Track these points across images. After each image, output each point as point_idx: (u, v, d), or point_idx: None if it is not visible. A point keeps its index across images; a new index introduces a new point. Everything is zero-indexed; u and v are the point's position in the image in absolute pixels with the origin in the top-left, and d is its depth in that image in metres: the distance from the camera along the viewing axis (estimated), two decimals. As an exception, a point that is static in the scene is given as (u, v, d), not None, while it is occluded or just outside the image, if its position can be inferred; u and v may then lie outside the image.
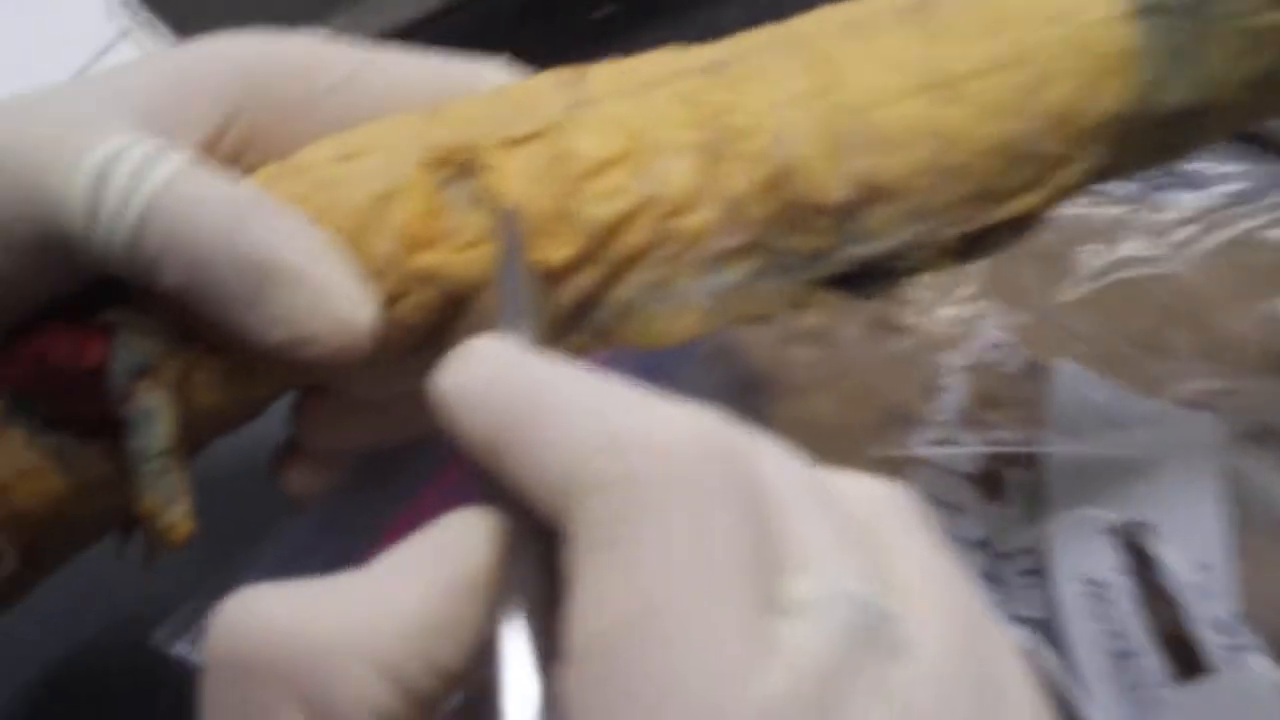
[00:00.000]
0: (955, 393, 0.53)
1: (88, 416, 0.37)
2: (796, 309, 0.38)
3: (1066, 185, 0.38)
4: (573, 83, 0.38)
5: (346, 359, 0.35)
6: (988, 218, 0.37)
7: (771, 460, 0.25)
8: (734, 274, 0.37)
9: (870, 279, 0.38)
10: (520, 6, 0.71)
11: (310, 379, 0.39)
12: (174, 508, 0.36)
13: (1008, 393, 0.53)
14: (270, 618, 0.24)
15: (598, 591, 0.22)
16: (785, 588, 0.23)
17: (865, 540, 0.25)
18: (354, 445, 0.42)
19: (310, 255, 0.35)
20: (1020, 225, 0.38)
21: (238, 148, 0.38)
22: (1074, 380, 0.53)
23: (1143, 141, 0.38)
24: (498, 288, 0.34)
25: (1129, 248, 0.57)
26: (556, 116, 0.37)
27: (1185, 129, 0.38)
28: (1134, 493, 0.48)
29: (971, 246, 0.38)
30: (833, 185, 0.36)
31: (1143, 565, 0.47)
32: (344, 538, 0.43)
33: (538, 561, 0.25)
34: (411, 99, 0.39)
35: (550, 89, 0.38)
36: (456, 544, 0.25)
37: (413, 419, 0.42)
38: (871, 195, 0.36)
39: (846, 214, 0.36)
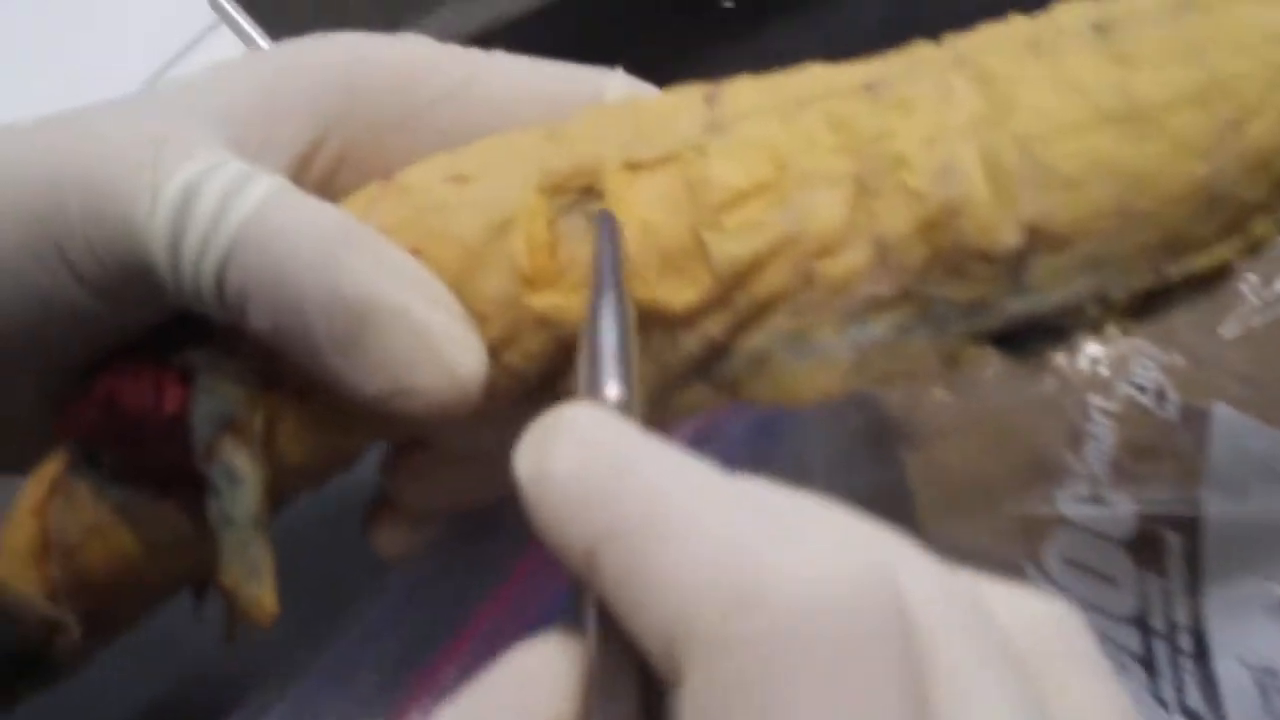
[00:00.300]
0: (1103, 441, 0.49)
1: (163, 469, 0.34)
2: (948, 368, 0.34)
3: (1262, 236, 0.33)
4: (709, 100, 0.34)
5: (451, 413, 0.32)
6: (1171, 272, 0.33)
7: (925, 594, 0.21)
8: (881, 326, 0.33)
9: (1031, 337, 0.34)
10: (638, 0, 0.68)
11: (407, 431, 0.36)
12: (258, 582, 0.33)
13: (1161, 442, 0.49)
14: None
15: None
16: None
17: (1028, 685, 0.22)
18: (450, 502, 0.39)
19: (414, 295, 0.32)
20: (1205, 282, 0.33)
21: (332, 165, 0.36)
22: (1234, 428, 0.49)
23: None
24: (590, 324, 0.28)
25: (1295, 282, 0.52)
26: (691, 139, 0.33)
27: None
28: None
29: (1148, 305, 0.34)
30: (1002, 229, 0.31)
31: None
32: (434, 608, 0.41)
33: (632, 691, 0.22)
34: (523, 112, 0.36)
35: (684, 107, 0.34)
36: (537, 690, 0.23)
37: (506, 470, 0.39)
38: (1043, 241, 0.32)
39: (1014, 262, 0.32)
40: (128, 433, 0.34)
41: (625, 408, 0.26)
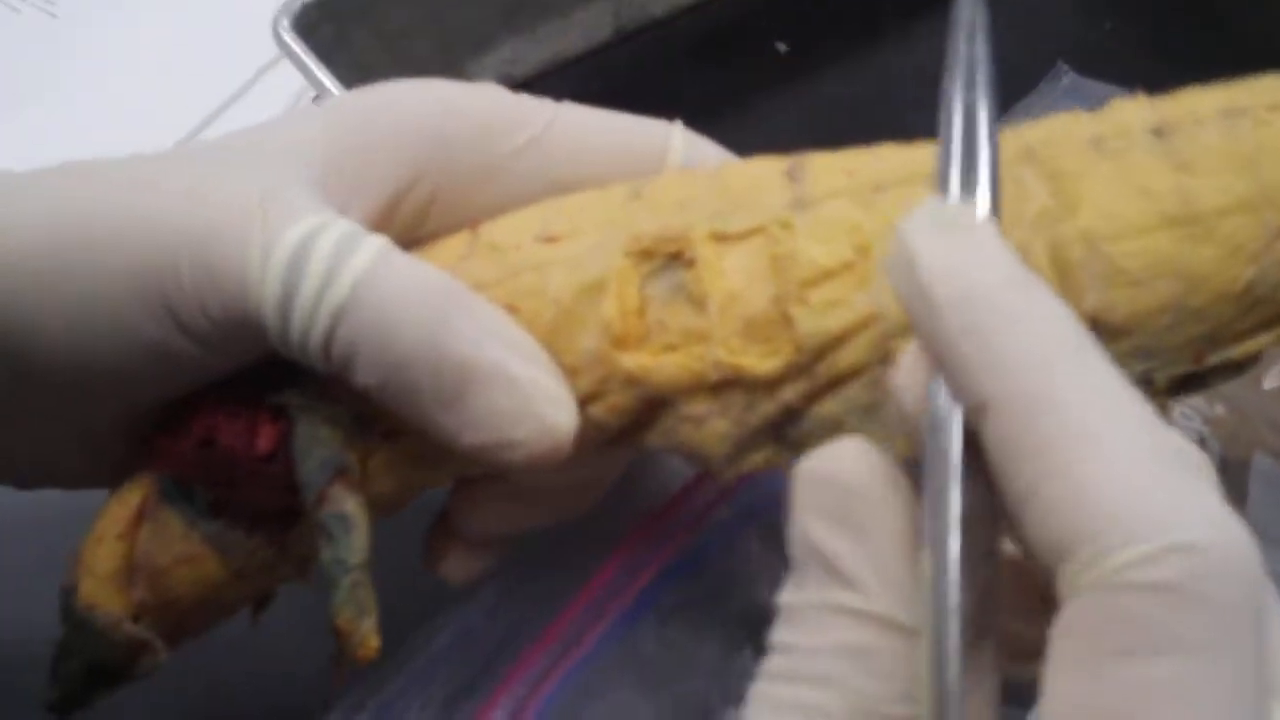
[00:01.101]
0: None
1: (255, 504, 0.36)
2: None
3: None
4: (794, 175, 0.36)
5: (545, 464, 0.34)
6: (1212, 359, 0.35)
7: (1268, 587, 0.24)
8: None
9: None
10: (692, 40, 0.69)
11: (490, 470, 0.38)
12: (367, 621, 0.35)
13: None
14: None
15: (1098, 699, 0.22)
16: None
17: None
18: (513, 530, 0.40)
19: (515, 355, 0.33)
20: (1242, 366, 0.36)
21: (419, 212, 0.37)
22: (1272, 479, 0.50)
23: None
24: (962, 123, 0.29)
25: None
26: (778, 213, 0.35)
27: None
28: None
29: (1186, 385, 0.36)
30: None
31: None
32: (510, 627, 0.42)
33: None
34: (599, 161, 0.38)
35: (769, 179, 0.36)
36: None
37: (575, 502, 0.41)
38: (1102, 331, 0.34)
39: None
40: (223, 470, 0.35)
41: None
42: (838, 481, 0.26)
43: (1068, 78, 0.65)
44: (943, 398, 0.25)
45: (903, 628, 0.25)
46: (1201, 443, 0.51)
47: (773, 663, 0.26)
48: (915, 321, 0.26)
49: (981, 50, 0.30)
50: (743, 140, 0.64)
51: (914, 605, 0.25)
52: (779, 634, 0.26)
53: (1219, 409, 0.52)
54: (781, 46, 0.69)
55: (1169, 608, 0.22)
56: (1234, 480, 0.50)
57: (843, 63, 0.69)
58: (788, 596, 0.27)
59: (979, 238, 0.26)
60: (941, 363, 0.25)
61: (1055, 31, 0.70)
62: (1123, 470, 0.23)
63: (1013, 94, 0.65)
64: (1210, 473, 0.25)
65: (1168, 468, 0.23)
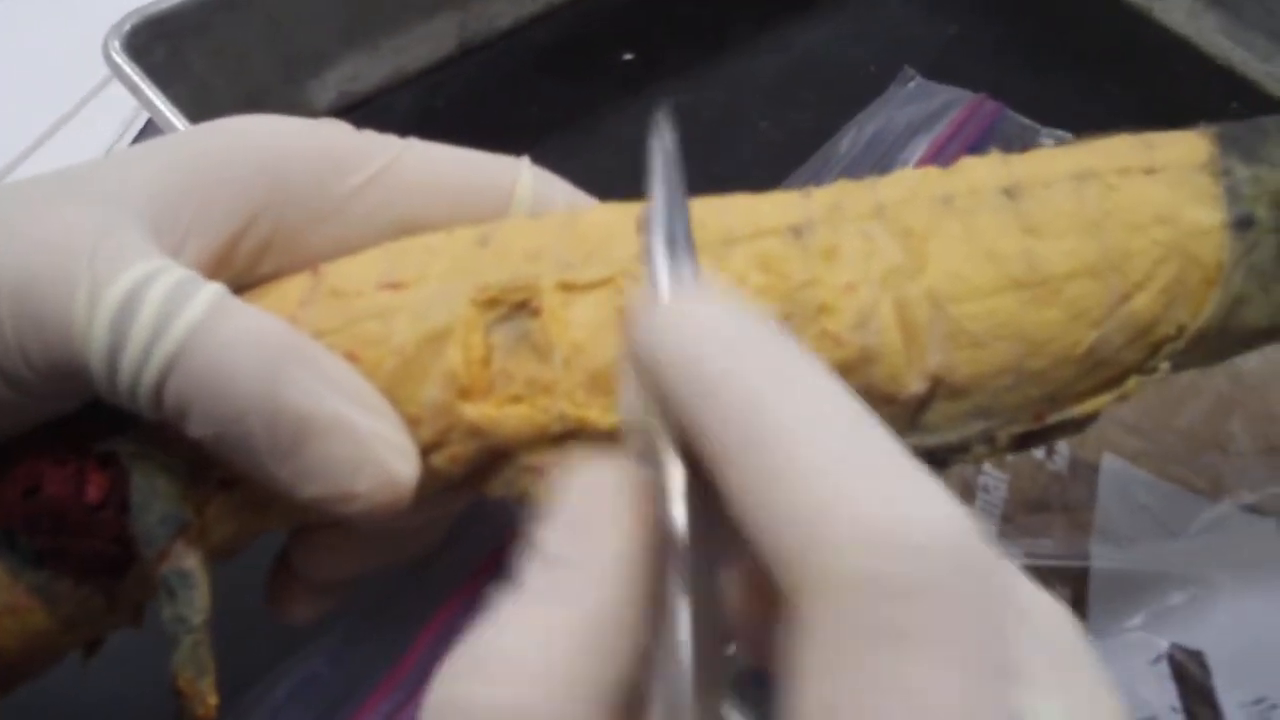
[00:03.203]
0: (994, 494, 0.52)
1: (84, 554, 0.35)
2: None
3: (1132, 390, 0.37)
4: (643, 225, 0.36)
5: (384, 516, 0.34)
6: (1051, 419, 0.37)
7: (1006, 575, 0.24)
8: None
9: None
10: (539, 51, 0.70)
11: (326, 517, 0.37)
12: (205, 680, 0.35)
13: (1052, 494, 0.52)
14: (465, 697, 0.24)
15: (855, 696, 0.22)
16: (1025, 712, 0.23)
17: (1068, 664, 0.25)
18: (354, 574, 0.40)
19: (354, 405, 0.33)
20: (1080, 424, 0.38)
21: (257, 252, 0.37)
22: (1122, 480, 0.52)
23: (1212, 350, 0.38)
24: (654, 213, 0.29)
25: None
26: (626, 264, 0.35)
27: (1257, 343, 0.38)
28: (1185, 614, 0.47)
29: (1025, 441, 0.38)
30: (909, 378, 0.35)
31: (1196, 698, 0.45)
32: (353, 674, 0.42)
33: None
34: (445, 199, 0.38)
35: (619, 228, 0.36)
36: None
37: (416, 545, 0.41)
38: (943, 391, 0.35)
39: (915, 406, 0.36)
40: (49, 519, 0.35)
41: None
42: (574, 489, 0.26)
43: (915, 81, 0.67)
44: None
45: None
46: (1050, 446, 0.53)
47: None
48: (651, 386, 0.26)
49: (671, 145, 0.30)
50: (592, 151, 0.66)
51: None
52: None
53: (1065, 438, 0.53)
54: (628, 56, 0.70)
55: (896, 602, 0.22)
56: (1083, 481, 0.52)
57: (690, 72, 0.70)
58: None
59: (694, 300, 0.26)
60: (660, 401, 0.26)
61: (903, 36, 0.72)
62: (840, 471, 0.23)
63: (861, 97, 0.66)
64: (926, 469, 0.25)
65: (887, 465, 0.23)
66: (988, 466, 0.52)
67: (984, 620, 0.23)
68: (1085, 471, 0.52)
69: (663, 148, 0.29)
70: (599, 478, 0.26)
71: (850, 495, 0.23)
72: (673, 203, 0.28)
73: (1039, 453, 0.53)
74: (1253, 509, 0.50)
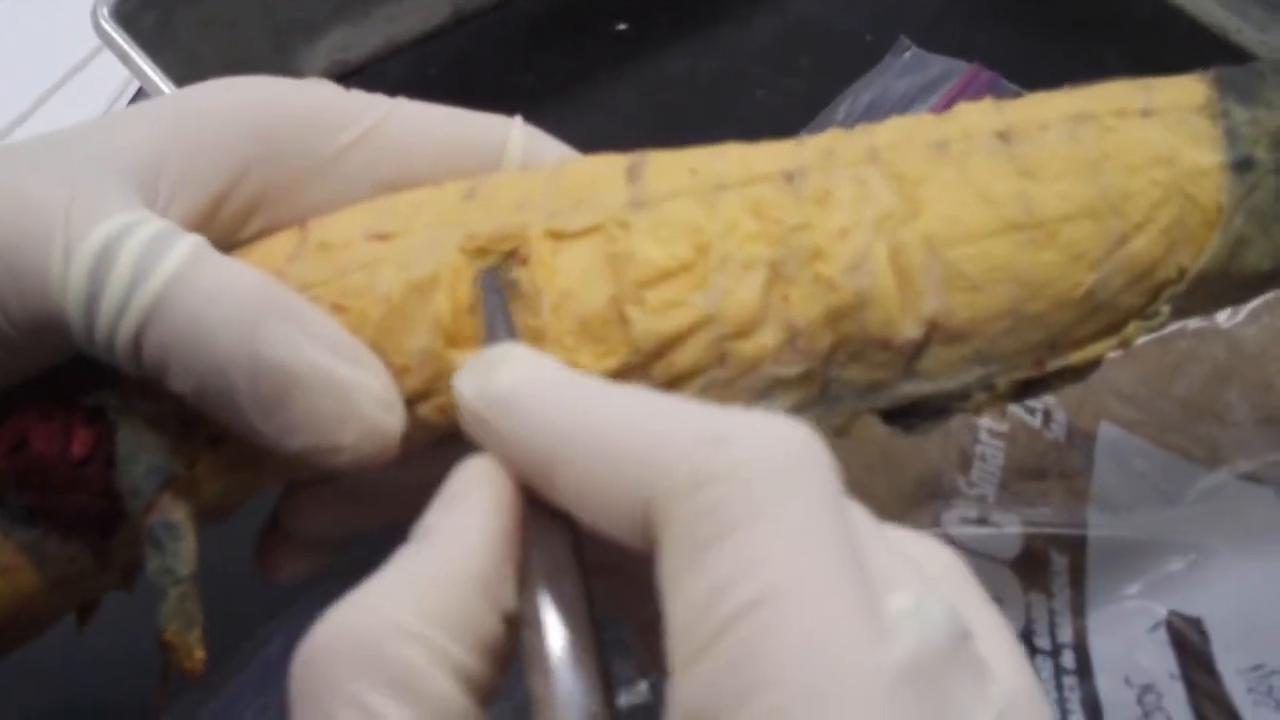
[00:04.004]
0: (991, 462, 0.52)
1: (71, 510, 0.35)
2: (838, 437, 0.37)
3: (1133, 335, 0.37)
4: (633, 173, 0.36)
5: (371, 466, 0.34)
6: (1051, 365, 0.37)
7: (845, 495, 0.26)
8: (784, 402, 0.36)
9: (918, 414, 0.37)
10: (532, 20, 0.70)
11: (318, 473, 0.37)
12: (193, 633, 0.35)
13: (1049, 462, 0.52)
14: (337, 623, 0.26)
15: (713, 583, 0.23)
16: (884, 600, 0.24)
17: (934, 580, 0.26)
18: (344, 531, 0.40)
19: (337, 356, 0.33)
20: (1081, 372, 0.37)
21: (246, 209, 0.36)
22: (1119, 447, 0.52)
23: (1214, 295, 0.38)
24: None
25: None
26: (616, 212, 0.35)
27: (1259, 287, 0.38)
28: (1183, 582, 0.47)
29: (1026, 390, 0.38)
30: (904, 323, 0.35)
31: (1195, 665, 0.45)
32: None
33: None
34: (434, 157, 0.38)
35: (609, 178, 0.36)
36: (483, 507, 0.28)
37: (407, 503, 0.41)
38: (940, 336, 0.35)
39: (911, 352, 0.35)
40: (36, 475, 0.34)
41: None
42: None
43: (910, 52, 0.67)
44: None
45: None
46: (1048, 414, 0.53)
47: None
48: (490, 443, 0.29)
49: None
50: (586, 121, 0.66)
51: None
52: None
53: (1066, 386, 0.53)
54: (622, 26, 0.70)
55: (718, 486, 0.24)
56: (1080, 449, 0.52)
57: (684, 41, 0.69)
58: None
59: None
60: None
61: (897, 4, 0.72)
62: (650, 425, 0.26)
63: (857, 66, 0.66)
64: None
65: (687, 406, 0.26)
66: (985, 435, 0.52)
67: (834, 509, 0.24)
68: (1082, 439, 0.52)
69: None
70: (476, 462, 0.29)
71: (683, 418, 0.26)
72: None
73: (1036, 421, 0.53)
74: (1250, 477, 0.50)
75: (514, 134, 0.39)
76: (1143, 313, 0.36)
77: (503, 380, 0.28)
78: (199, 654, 0.35)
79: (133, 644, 0.37)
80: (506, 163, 0.39)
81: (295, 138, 0.37)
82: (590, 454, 0.26)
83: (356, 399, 0.33)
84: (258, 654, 0.42)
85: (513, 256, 0.35)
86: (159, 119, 0.36)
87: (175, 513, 0.34)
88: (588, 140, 0.40)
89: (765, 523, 0.23)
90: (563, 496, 0.27)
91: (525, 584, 0.27)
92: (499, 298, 0.34)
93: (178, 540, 0.34)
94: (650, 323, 0.34)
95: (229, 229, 0.36)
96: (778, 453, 0.25)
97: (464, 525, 0.28)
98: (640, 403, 0.27)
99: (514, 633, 0.27)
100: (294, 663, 0.26)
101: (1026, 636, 0.47)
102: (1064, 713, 0.45)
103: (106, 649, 0.41)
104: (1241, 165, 0.36)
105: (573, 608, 0.26)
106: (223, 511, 0.38)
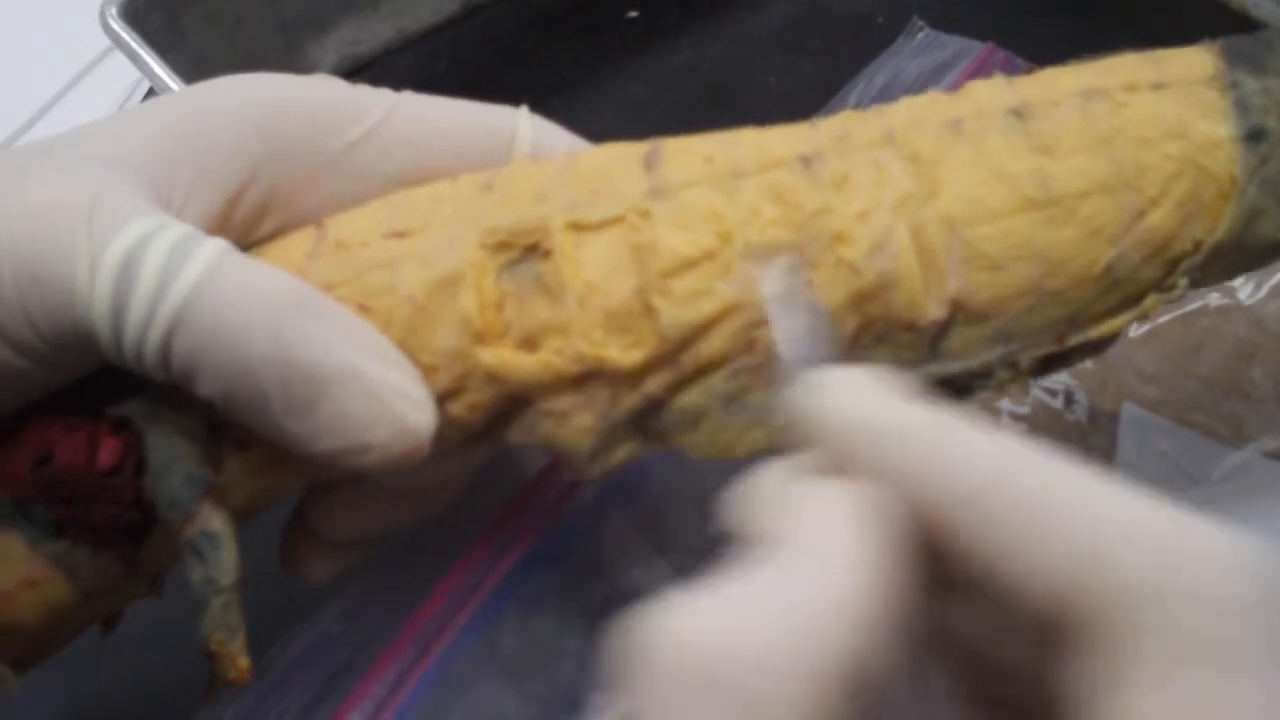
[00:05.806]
0: (1014, 445, 0.51)
1: (101, 520, 0.35)
2: None
3: (1152, 308, 0.37)
4: (649, 162, 0.36)
5: (402, 466, 0.34)
6: (1072, 341, 0.37)
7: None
8: None
9: (942, 395, 0.37)
10: (541, 11, 0.70)
11: (347, 474, 0.38)
12: (237, 641, 0.35)
13: (1071, 444, 0.52)
14: (698, 635, 0.22)
15: (1155, 701, 0.22)
16: None
17: None
18: (370, 532, 0.41)
19: (367, 356, 0.33)
20: (1101, 345, 0.38)
21: (257, 211, 0.37)
22: (1142, 427, 0.51)
23: (1230, 265, 0.38)
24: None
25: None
26: (636, 202, 0.35)
27: (1274, 256, 0.38)
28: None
29: (1048, 365, 0.38)
30: (929, 304, 0.35)
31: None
32: (369, 630, 0.43)
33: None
34: (443, 151, 0.38)
35: (625, 167, 0.36)
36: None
37: (435, 501, 0.41)
38: (963, 315, 0.36)
39: (935, 333, 0.36)
40: (63, 488, 0.34)
41: None
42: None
43: (923, 33, 0.67)
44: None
45: None
46: (1069, 395, 0.53)
47: None
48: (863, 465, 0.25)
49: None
50: (597, 111, 0.66)
51: None
52: None
53: (1086, 360, 0.53)
54: (633, 13, 0.70)
55: (1206, 618, 0.22)
56: (1103, 431, 0.52)
57: (694, 29, 0.69)
58: None
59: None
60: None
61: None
62: (1114, 507, 0.24)
63: (869, 49, 0.66)
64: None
65: (1131, 497, 0.24)
66: (1006, 418, 0.52)
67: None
68: (1105, 421, 0.52)
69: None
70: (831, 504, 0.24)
71: (1126, 522, 0.23)
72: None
73: (1058, 403, 0.53)
74: (1275, 455, 0.50)
75: (522, 124, 0.39)
76: (1160, 285, 0.36)
77: (897, 410, 0.25)
78: (243, 662, 0.35)
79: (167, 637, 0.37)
80: (516, 153, 0.39)
81: (302, 135, 0.37)
82: (1027, 516, 0.23)
83: (388, 399, 0.33)
84: (282, 655, 0.42)
85: (534, 250, 0.35)
86: (167, 122, 0.36)
87: (214, 521, 0.35)
88: (600, 130, 0.40)
89: (1241, 666, 0.22)
90: (964, 544, 0.24)
91: None
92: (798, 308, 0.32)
93: (219, 549, 0.34)
94: (677, 313, 0.34)
95: (244, 229, 0.37)
96: (1232, 580, 0.22)
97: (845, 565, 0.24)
98: (1082, 474, 0.24)
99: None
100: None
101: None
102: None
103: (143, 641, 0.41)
104: (1253, 136, 0.36)
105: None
106: (248, 516, 0.38)
